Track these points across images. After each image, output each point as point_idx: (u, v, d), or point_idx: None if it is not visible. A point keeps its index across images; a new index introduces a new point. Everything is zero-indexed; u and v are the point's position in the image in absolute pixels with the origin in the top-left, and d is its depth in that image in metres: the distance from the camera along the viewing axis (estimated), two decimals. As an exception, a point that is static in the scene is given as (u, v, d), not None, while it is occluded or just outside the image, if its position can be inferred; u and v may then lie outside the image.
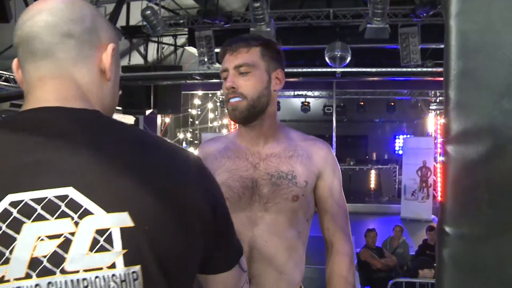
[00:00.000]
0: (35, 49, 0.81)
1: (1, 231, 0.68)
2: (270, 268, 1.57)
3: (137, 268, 0.71)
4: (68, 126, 0.77)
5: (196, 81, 10.03)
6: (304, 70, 8.83)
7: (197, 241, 0.81)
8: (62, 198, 0.70)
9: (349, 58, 8.69)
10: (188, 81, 8.61)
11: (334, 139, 11.88)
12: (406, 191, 12.00)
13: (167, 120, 14.63)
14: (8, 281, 0.67)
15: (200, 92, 14.31)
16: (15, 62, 0.86)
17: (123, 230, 0.71)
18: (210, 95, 14.99)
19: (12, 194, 0.69)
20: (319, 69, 8.95)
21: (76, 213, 0.70)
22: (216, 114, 15.83)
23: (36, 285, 0.67)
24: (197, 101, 15.13)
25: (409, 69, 7.44)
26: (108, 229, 0.70)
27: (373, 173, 14.10)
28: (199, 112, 15.54)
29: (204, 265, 0.87)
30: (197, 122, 15.50)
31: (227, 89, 1.54)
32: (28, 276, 0.67)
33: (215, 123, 16.10)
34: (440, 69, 8.13)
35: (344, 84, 11.93)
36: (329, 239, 1.66)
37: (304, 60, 11.78)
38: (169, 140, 0.94)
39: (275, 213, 1.57)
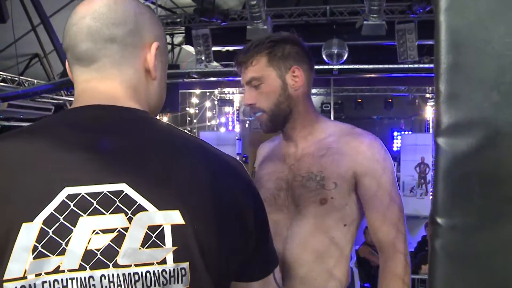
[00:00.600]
0: (80, 55, 0.84)
1: (59, 222, 0.70)
2: (297, 274, 1.50)
3: (185, 264, 0.73)
4: (120, 124, 0.80)
5: (193, 79, 10.03)
6: (302, 67, 8.78)
7: (239, 242, 0.82)
8: (117, 193, 0.72)
9: (346, 55, 8.69)
10: (185, 79, 8.61)
11: (332, 136, 11.85)
12: (404, 188, 12.03)
13: (165, 118, 14.63)
14: (63, 271, 0.69)
15: (197, 91, 14.30)
16: (67, 63, 0.90)
17: (174, 228, 0.73)
18: (207, 93, 15.00)
19: (69, 187, 0.71)
20: (316, 67, 8.92)
21: (130, 209, 0.72)
22: (214, 112, 15.84)
23: (90, 277, 0.70)
24: (194, 100, 15.13)
25: (406, 66, 7.46)
26: (160, 225, 0.73)
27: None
28: (197, 111, 15.55)
29: (239, 271, 0.86)
30: (195, 120, 15.51)
31: (248, 106, 1.53)
32: (82, 268, 0.70)
33: (213, 122, 16.11)
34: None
35: (341, 81, 11.94)
36: (382, 239, 1.48)
37: (301, 58, 11.75)
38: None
39: (305, 217, 1.49)
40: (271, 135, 1.61)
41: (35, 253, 0.69)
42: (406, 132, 15.01)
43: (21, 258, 0.68)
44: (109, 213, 0.71)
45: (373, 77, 9.51)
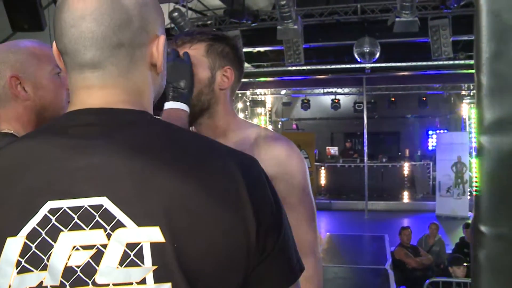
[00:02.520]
0: (83, 62, 0.77)
1: (41, 237, 0.68)
2: None
3: (167, 285, 0.68)
4: (110, 130, 0.75)
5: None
6: (333, 67, 8.73)
7: (236, 260, 0.73)
8: (97, 208, 0.69)
9: (378, 54, 8.56)
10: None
11: (365, 136, 11.73)
12: (441, 188, 11.75)
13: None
14: (46, 287, 0.68)
15: (229, 93, 14.28)
16: (55, 49, 0.82)
17: (154, 246, 0.68)
18: (239, 95, 15.01)
19: (51, 201, 0.69)
20: (348, 65, 8.84)
21: (109, 225, 0.68)
22: (246, 113, 15.83)
23: None
24: (226, 102, 15.12)
25: (441, 62, 7.27)
26: (139, 243, 0.68)
27: (406, 170, 13.84)
28: (229, 112, 15.53)
29: (248, 285, 0.77)
30: (227, 122, 15.51)
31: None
32: (62, 285, 0.67)
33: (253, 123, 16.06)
34: (473, 61, 7.91)
35: (374, 80, 11.77)
36: None
37: (333, 57, 11.67)
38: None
39: None
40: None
41: (19, 268, 0.68)
42: (442, 131, 14.66)
43: (6, 273, 0.68)
44: (89, 229, 0.68)
45: (406, 75, 9.34)
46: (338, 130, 16.97)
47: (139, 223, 0.68)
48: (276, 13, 7.40)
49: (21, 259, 0.68)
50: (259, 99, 15.17)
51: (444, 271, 6.06)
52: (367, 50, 8.50)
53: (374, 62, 8.51)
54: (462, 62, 7.76)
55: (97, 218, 0.68)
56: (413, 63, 7.80)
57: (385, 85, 13.33)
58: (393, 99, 13.80)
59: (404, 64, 7.47)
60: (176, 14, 7.02)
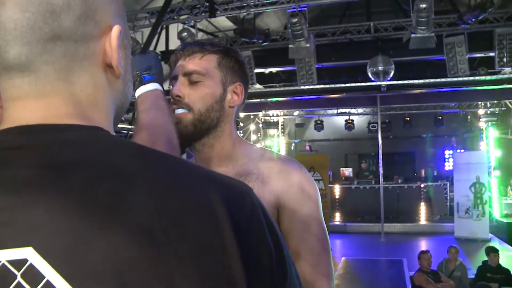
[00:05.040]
0: (7, 62, 0.58)
1: None
2: None
3: None
4: (44, 155, 0.55)
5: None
6: (347, 85, 8.60)
7: None
8: (19, 264, 0.49)
9: (392, 72, 8.43)
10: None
11: (380, 156, 11.50)
12: (459, 209, 11.44)
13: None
14: None
15: (242, 114, 14.25)
16: None
17: None
18: (252, 116, 14.95)
19: None
20: (363, 84, 8.71)
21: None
22: (259, 135, 15.74)
23: None
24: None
25: (460, 79, 7.08)
26: None
27: (422, 191, 13.56)
28: (241, 134, 15.48)
29: None
30: (239, 144, 15.42)
31: (172, 98, 1.32)
32: None
33: (258, 145, 15.95)
34: (494, 77, 7.73)
35: (388, 99, 11.60)
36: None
37: (346, 77, 11.57)
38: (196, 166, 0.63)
39: None
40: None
41: None
42: (458, 150, 14.39)
43: None
44: None
45: (421, 93, 9.17)
46: (352, 151, 16.80)
47: (76, 284, 0.48)
48: (288, 33, 7.32)
49: None
50: (272, 121, 15.07)
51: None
52: (381, 69, 8.39)
53: (388, 81, 8.36)
54: (478, 78, 7.57)
55: (18, 278, 0.49)
56: (428, 80, 7.62)
57: (399, 105, 13.18)
58: (408, 118, 13.66)
59: (418, 81, 7.29)
60: (185, 34, 6.97)
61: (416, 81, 7.23)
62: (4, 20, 0.56)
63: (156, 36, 8.19)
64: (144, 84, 1.25)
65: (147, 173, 0.55)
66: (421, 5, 5.80)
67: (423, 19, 5.99)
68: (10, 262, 0.49)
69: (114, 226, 0.50)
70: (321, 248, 1.30)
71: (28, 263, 0.48)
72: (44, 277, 0.48)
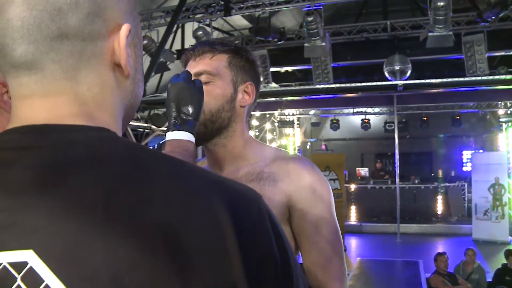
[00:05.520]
0: (14, 60, 0.58)
1: None
2: None
3: None
4: (47, 156, 0.54)
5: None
6: (364, 84, 8.53)
7: None
8: (19, 266, 0.49)
9: (409, 72, 8.34)
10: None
11: (396, 156, 11.39)
12: (477, 210, 11.27)
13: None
14: None
15: (257, 113, 14.24)
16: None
17: None
18: (267, 115, 14.93)
19: None
20: (379, 83, 8.62)
21: None
22: (275, 134, 15.72)
23: None
24: (254, 122, 15.07)
25: (478, 78, 6.96)
26: None
27: (439, 192, 13.40)
28: (257, 133, 15.47)
29: None
30: (255, 143, 15.40)
31: None
32: None
33: (274, 144, 15.97)
34: (512, 77, 7.59)
35: (405, 99, 11.48)
36: (312, 283, 1.30)
37: (362, 76, 11.50)
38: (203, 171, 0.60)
39: None
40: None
41: None
42: (477, 151, 14.18)
43: None
44: None
45: (439, 93, 9.04)
46: (368, 150, 16.68)
47: None
48: (304, 32, 7.27)
49: None
50: (287, 120, 15.02)
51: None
52: (398, 68, 8.30)
53: (405, 80, 8.26)
54: (498, 77, 7.42)
55: (18, 281, 0.48)
56: (446, 80, 7.50)
57: (416, 104, 13.04)
58: (425, 118, 13.51)
59: (435, 81, 7.19)
60: (201, 32, 6.96)
61: (433, 81, 7.11)
62: (12, 18, 0.56)
63: (172, 35, 8.21)
64: (180, 129, 1.17)
65: (149, 176, 0.54)
66: (438, 3, 5.70)
67: (440, 17, 5.90)
68: (11, 264, 0.49)
69: (114, 231, 0.50)
70: (331, 250, 1.29)
71: (28, 266, 0.48)
72: (43, 281, 0.48)
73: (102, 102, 0.62)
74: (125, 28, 0.62)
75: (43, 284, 0.48)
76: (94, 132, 0.58)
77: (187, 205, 0.53)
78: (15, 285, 0.48)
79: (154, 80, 8.80)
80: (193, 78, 1.28)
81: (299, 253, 1.35)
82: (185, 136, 1.17)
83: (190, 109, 1.18)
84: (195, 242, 0.51)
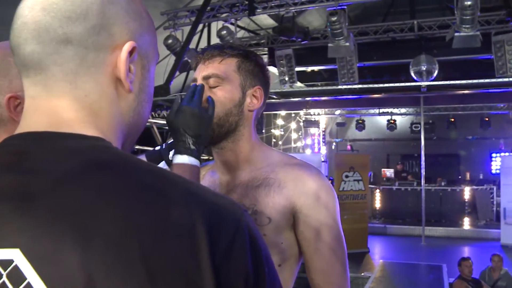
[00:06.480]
0: (26, 61, 0.63)
1: None
2: None
3: None
4: (42, 162, 0.59)
5: (276, 100, 9.92)
6: (387, 85, 8.42)
7: None
8: (6, 264, 0.53)
9: (436, 72, 8.20)
10: (267, 100, 8.52)
11: (422, 158, 11.22)
12: (506, 215, 11.00)
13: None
14: None
15: (283, 112, 14.22)
16: None
17: None
18: (293, 115, 14.92)
19: None
20: (402, 84, 8.50)
21: None
22: (300, 134, 15.69)
23: None
24: (280, 121, 15.06)
25: (506, 79, 6.79)
26: None
27: (467, 194, 13.14)
28: (282, 132, 15.46)
29: None
30: (280, 142, 15.41)
31: None
32: None
33: (299, 143, 15.96)
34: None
35: (432, 99, 11.31)
36: None
37: (388, 76, 11.36)
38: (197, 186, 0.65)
39: None
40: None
41: None
42: (506, 153, 13.86)
43: None
44: None
45: (467, 94, 8.86)
46: (394, 151, 16.49)
47: None
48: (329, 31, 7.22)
49: None
50: (313, 119, 14.95)
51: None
52: (425, 68, 8.17)
53: (432, 81, 8.12)
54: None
55: (4, 278, 0.52)
56: (474, 81, 7.35)
57: (444, 105, 12.83)
58: (452, 119, 13.28)
59: (464, 81, 7.05)
60: (225, 32, 6.98)
61: (460, 82, 6.97)
62: (28, 21, 0.62)
63: (198, 34, 8.26)
64: (187, 154, 1.19)
65: (131, 187, 0.57)
66: (465, 2, 5.58)
67: (467, 17, 5.78)
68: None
69: (94, 237, 0.53)
70: (333, 257, 1.29)
71: (13, 264, 0.52)
72: (25, 279, 0.52)
73: (100, 110, 0.65)
74: (128, 45, 0.66)
75: (25, 282, 0.51)
76: (87, 140, 0.62)
77: (164, 217, 0.55)
78: (1, 281, 0.52)
79: (179, 79, 8.87)
80: (201, 82, 1.30)
81: (302, 259, 1.36)
82: (194, 161, 1.19)
83: (201, 138, 1.21)
84: (169, 253, 0.53)
